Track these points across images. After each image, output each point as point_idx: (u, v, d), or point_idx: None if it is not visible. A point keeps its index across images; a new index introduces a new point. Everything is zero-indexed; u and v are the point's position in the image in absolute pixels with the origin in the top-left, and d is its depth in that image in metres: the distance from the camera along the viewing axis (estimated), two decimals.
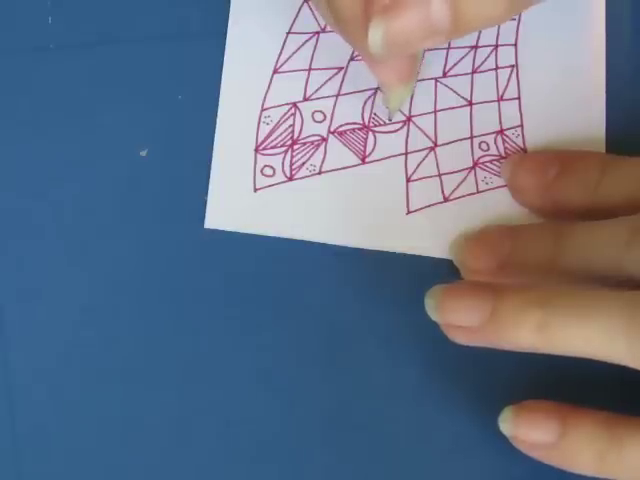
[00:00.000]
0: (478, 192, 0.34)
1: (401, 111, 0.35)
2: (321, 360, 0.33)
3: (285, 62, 0.35)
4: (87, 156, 0.34)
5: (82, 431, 0.32)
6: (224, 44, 0.35)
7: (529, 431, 0.30)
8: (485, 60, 0.35)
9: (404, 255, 0.33)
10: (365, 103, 0.35)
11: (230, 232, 0.34)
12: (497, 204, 0.34)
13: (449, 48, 0.35)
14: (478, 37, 0.35)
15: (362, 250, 0.33)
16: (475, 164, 0.34)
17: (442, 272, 0.33)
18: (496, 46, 0.35)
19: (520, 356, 0.30)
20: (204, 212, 0.34)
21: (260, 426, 0.32)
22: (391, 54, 0.29)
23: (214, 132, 0.34)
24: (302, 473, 0.32)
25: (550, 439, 0.30)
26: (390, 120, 0.34)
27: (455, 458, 0.32)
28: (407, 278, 0.33)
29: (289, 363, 0.33)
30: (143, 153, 0.34)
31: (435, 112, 0.35)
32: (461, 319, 0.29)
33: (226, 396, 0.32)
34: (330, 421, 0.32)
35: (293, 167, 0.34)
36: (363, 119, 0.35)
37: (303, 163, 0.34)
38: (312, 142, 0.34)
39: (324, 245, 0.33)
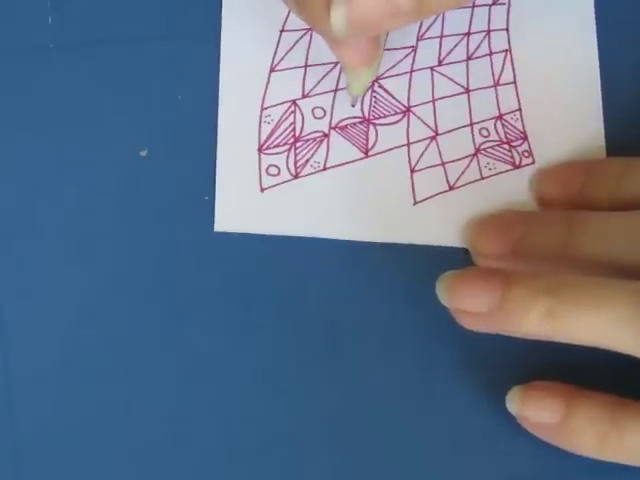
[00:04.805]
0: (482, 178, 0.34)
1: (400, 102, 0.35)
2: (328, 359, 0.33)
3: (281, 60, 0.35)
4: (87, 156, 0.34)
5: (82, 431, 0.32)
6: None
7: (535, 411, 0.30)
8: (478, 46, 0.36)
9: (417, 247, 0.33)
10: (364, 96, 0.35)
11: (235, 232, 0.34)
12: (502, 189, 0.34)
13: (442, 36, 0.36)
14: (470, 23, 0.36)
15: (373, 244, 0.34)
16: (477, 151, 0.35)
17: (450, 263, 0.33)
18: (488, 31, 0.36)
19: (524, 348, 0.31)
20: (205, 211, 0.34)
21: (261, 426, 0.32)
22: (353, 35, 0.29)
23: (214, 132, 0.34)
24: (304, 472, 0.32)
25: (555, 419, 0.30)
26: (353, 106, 0.35)
27: (458, 455, 0.32)
28: (421, 272, 0.33)
29: (298, 362, 0.33)
30: (143, 153, 0.34)
31: (433, 101, 0.35)
32: (470, 305, 0.29)
33: (227, 396, 0.32)
34: (333, 420, 0.32)
35: (297, 165, 0.34)
36: (363, 112, 0.35)
37: (307, 160, 0.34)
38: (314, 139, 0.34)
39: (334, 241, 0.33)
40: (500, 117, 0.35)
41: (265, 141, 0.34)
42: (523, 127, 0.35)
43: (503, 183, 0.34)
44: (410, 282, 0.33)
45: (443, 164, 0.34)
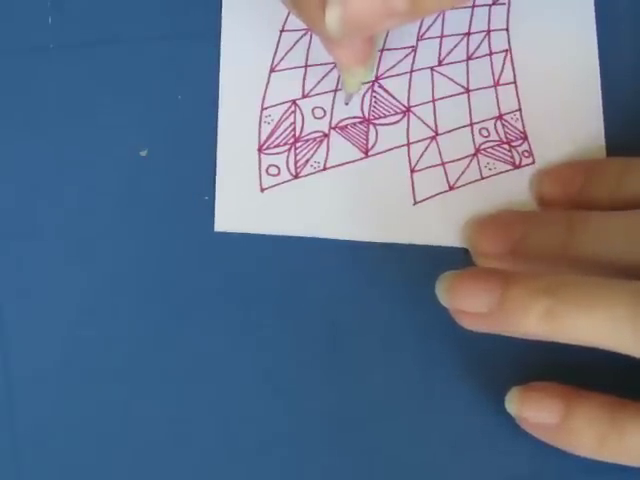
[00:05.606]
0: (482, 178, 0.34)
1: (400, 102, 0.35)
2: (328, 359, 0.33)
3: (281, 60, 0.35)
4: (87, 156, 0.34)
5: (82, 431, 0.32)
6: None
7: (534, 412, 0.30)
8: (478, 46, 0.36)
9: (417, 247, 0.33)
10: (364, 96, 0.35)
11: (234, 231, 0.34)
12: (502, 189, 0.34)
13: (442, 36, 0.36)
14: (470, 23, 0.36)
15: (373, 244, 0.34)
16: (477, 151, 0.35)
17: (450, 263, 0.33)
18: (488, 31, 0.36)
19: (524, 348, 0.31)
20: (205, 211, 0.34)
21: (261, 426, 0.32)
22: (348, 35, 0.29)
23: (214, 132, 0.34)
24: (304, 472, 0.32)
25: (554, 420, 0.30)
26: (346, 104, 0.35)
27: (458, 455, 0.32)
28: (421, 272, 0.33)
29: (298, 362, 0.33)
30: (143, 153, 0.34)
31: (433, 101, 0.35)
32: (470, 305, 0.29)
33: (227, 396, 0.32)
34: (333, 420, 0.32)
35: (297, 165, 0.34)
36: (363, 112, 0.35)
37: (307, 160, 0.34)
38: (314, 138, 0.34)
39: (334, 241, 0.33)
40: (500, 117, 0.35)
41: (265, 141, 0.34)
42: (523, 127, 0.35)
43: (503, 183, 0.34)
44: (410, 282, 0.33)
45: (443, 164, 0.34)
